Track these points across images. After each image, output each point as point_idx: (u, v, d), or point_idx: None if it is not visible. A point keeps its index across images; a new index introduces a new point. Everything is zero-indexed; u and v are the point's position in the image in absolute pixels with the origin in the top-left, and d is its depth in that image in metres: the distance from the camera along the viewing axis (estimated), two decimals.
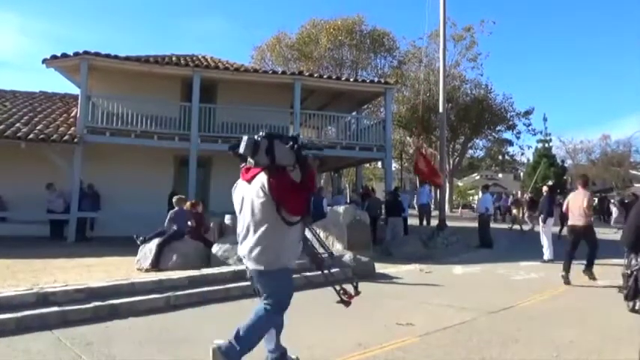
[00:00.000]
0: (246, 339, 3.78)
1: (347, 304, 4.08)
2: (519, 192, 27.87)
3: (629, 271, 3.10)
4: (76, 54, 13.92)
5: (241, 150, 3.55)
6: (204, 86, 15.25)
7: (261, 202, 3.58)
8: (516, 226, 20.51)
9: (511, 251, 13.74)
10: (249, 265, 3.75)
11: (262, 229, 3.60)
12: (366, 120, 20.34)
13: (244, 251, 3.73)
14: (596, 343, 5.04)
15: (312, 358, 4.53)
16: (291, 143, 3.63)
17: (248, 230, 3.69)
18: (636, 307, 3.83)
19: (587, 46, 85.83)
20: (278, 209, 3.53)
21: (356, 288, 4.10)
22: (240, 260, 8.39)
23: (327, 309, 6.75)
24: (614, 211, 22.46)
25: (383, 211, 15.46)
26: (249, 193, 3.69)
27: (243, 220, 3.76)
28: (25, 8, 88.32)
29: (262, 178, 3.58)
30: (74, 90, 16.92)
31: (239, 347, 3.71)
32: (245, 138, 3.56)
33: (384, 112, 18.50)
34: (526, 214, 20.72)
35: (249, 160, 3.63)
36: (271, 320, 3.88)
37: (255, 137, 3.55)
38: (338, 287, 4.17)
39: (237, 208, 3.87)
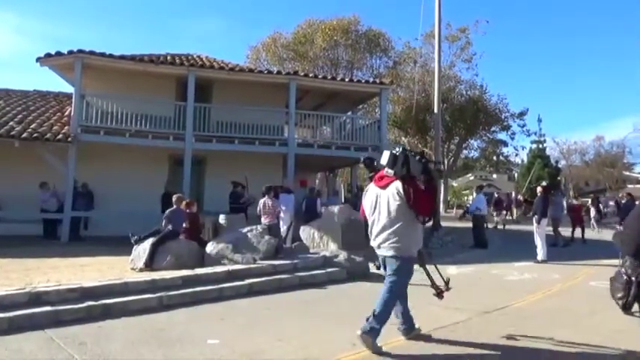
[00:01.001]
0: (382, 314, 4.66)
1: (440, 296, 5.29)
2: (511, 192, 28.85)
3: (627, 277, 3.06)
4: (70, 52, 13.86)
5: (383, 162, 4.69)
6: (199, 86, 15.22)
7: (397, 204, 4.62)
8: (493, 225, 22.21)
9: (505, 252, 13.79)
10: (384, 252, 4.79)
11: (398, 225, 4.64)
12: (362, 120, 20.35)
13: (379, 241, 4.78)
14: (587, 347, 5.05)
15: (307, 357, 4.52)
16: (419, 157, 4.68)
17: (384, 226, 4.71)
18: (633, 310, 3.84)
19: (581, 48, 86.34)
20: (411, 210, 4.57)
21: (447, 284, 5.29)
22: (232, 260, 8.41)
23: (322, 310, 6.77)
24: (592, 211, 23.51)
25: None
26: (384, 197, 4.74)
27: (378, 218, 4.79)
28: (23, 8, 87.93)
29: (397, 185, 4.63)
30: (68, 89, 16.87)
31: (378, 323, 4.59)
32: (386, 152, 4.69)
33: (379, 112, 18.50)
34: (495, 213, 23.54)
35: (388, 170, 4.68)
36: (396, 296, 4.82)
37: (394, 152, 4.63)
38: (433, 283, 5.30)
39: (368, 208, 4.93)
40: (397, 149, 4.68)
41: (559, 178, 41.29)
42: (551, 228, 14.76)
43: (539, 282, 8.91)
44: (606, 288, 7.07)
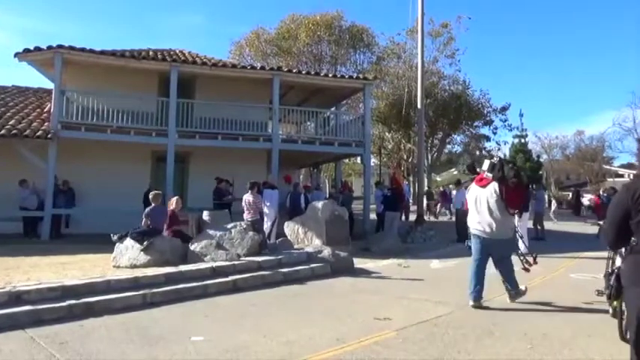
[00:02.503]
0: (511, 280, 6.54)
1: (527, 270, 6.80)
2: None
3: (609, 270, 3.10)
4: (50, 48, 13.61)
5: (483, 168, 6.43)
6: (181, 81, 15.07)
7: (494, 200, 6.23)
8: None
9: None
10: (493, 236, 6.34)
11: (498, 216, 6.24)
12: (345, 115, 20.32)
13: (486, 228, 6.32)
14: (569, 335, 5.14)
15: (292, 353, 4.53)
16: (511, 165, 6.36)
17: (486, 216, 6.30)
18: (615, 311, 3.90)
19: (562, 44, 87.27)
20: (505, 205, 6.19)
21: (535, 258, 6.83)
22: (216, 257, 8.39)
23: (306, 305, 6.78)
24: (553, 203, 26.52)
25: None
26: (484, 194, 6.34)
27: (480, 210, 6.38)
28: (1, 2, 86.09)
29: (494, 186, 6.25)
30: (48, 84, 16.58)
31: (513, 289, 6.55)
32: (487, 161, 6.46)
33: (363, 107, 18.53)
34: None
35: (487, 174, 6.32)
36: (510, 265, 6.60)
37: (492, 161, 6.42)
38: (522, 257, 6.90)
39: (472, 202, 6.52)
40: (495, 159, 6.54)
41: (541, 172, 41.79)
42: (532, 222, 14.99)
43: (520, 275, 8.99)
44: (586, 280, 7.22)
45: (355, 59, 34.50)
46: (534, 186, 18.11)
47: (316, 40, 32.18)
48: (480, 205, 6.35)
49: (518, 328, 5.42)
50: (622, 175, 47.37)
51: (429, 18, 27.91)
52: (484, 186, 6.35)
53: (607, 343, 4.75)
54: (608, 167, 52.54)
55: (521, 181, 6.27)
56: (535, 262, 6.79)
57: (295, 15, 33.48)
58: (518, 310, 6.31)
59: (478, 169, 6.74)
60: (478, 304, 6.36)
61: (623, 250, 2.99)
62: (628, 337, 3.05)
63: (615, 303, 3.23)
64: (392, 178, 18.46)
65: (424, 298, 7.02)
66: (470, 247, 6.71)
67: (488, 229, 6.31)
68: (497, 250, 6.44)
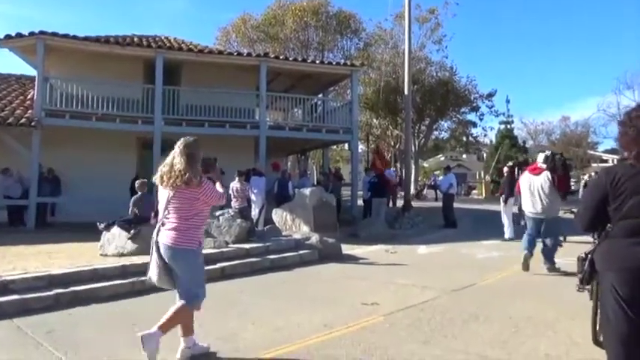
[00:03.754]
0: (550, 255, 7.84)
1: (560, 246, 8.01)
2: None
3: (583, 254, 3.11)
4: (32, 34, 13.36)
5: (539, 160, 7.91)
6: (167, 68, 14.90)
7: (547, 186, 7.58)
8: None
9: (474, 231, 14.09)
10: (543, 215, 7.69)
11: (550, 199, 7.59)
12: (333, 102, 20.32)
13: (538, 209, 7.69)
14: (553, 318, 5.24)
15: (280, 339, 4.57)
16: (559, 157, 7.93)
17: (539, 199, 7.64)
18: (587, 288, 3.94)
19: (547, 30, 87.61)
20: (554, 188, 7.58)
21: (564, 238, 8.36)
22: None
23: (294, 292, 6.83)
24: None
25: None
26: (537, 181, 7.66)
27: (534, 194, 7.69)
28: None
29: (547, 173, 7.62)
30: (31, 71, 16.33)
31: (549, 263, 7.88)
32: (541, 154, 8.00)
33: (351, 94, 18.51)
34: None
35: (541, 164, 7.73)
36: (556, 241, 7.85)
37: (546, 154, 7.91)
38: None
39: (525, 188, 7.86)
40: (547, 152, 8.06)
41: (526, 157, 42.16)
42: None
43: (506, 260, 9.15)
44: (567, 264, 7.34)
45: (342, 45, 34.27)
46: (520, 172, 18.27)
47: (303, 26, 31.89)
48: (534, 189, 7.73)
49: (504, 312, 5.51)
50: (606, 161, 47.93)
51: (415, 3, 27.79)
52: (537, 174, 7.73)
53: (590, 326, 4.84)
54: (592, 152, 53.24)
55: (567, 169, 8.01)
56: (565, 240, 8.46)
57: (282, 1, 33.14)
58: (504, 295, 6.42)
59: (531, 160, 8.34)
60: (529, 255, 7.78)
61: (596, 234, 2.99)
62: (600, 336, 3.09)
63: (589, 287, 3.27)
64: (372, 164, 18.43)
65: (411, 284, 7.10)
66: (525, 224, 8.31)
67: (540, 209, 7.67)
68: (545, 225, 7.76)
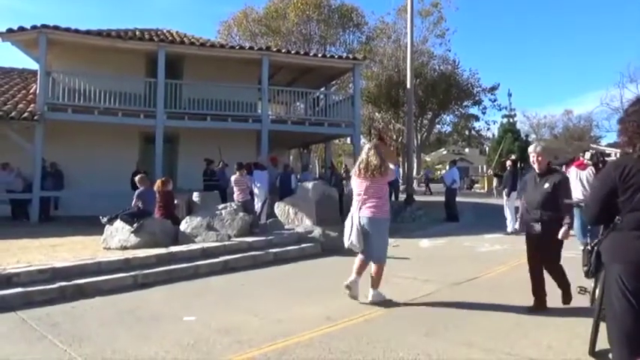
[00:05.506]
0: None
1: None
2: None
3: (589, 247, 3.11)
4: (34, 27, 13.35)
5: (586, 157, 8.79)
6: (169, 62, 14.88)
7: (592, 177, 8.17)
8: None
9: (476, 224, 14.08)
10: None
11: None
12: (335, 96, 20.25)
13: (580, 197, 7.83)
14: (555, 311, 5.24)
15: (283, 332, 4.58)
16: (601, 154, 9.00)
17: (583, 189, 8.31)
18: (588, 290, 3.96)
19: (551, 24, 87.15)
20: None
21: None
22: (206, 238, 8.42)
23: (297, 285, 6.84)
24: (494, 182, 26.06)
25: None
26: (583, 175, 8.56)
27: (583, 185, 8.44)
28: None
29: (591, 168, 8.50)
30: (33, 65, 16.34)
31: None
32: (587, 153, 8.93)
33: (353, 87, 18.45)
34: None
35: (587, 160, 8.69)
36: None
37: (592, 152, 8.92)
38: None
39: (573, 180, 8.18)
40: (593, 151, 9.15)
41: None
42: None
43: (508, 253, 9.15)
44: (570, 257, 7.33)
45: (345, 39, 34.18)
46: (522, 165, 18.25)
47: (305, 20, 31.80)
48: (581, 181, 8.67)
49: (507, 303, 5.52)
50: (609, 154, 47.76)
51: None
52: (583, 169, 8.71)
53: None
54: (595, 146, 52.96)
55: (604, 164, 8.54)
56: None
57: None
58: (506, 288, 6.42)
59: (580, 157, 9.07)
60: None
61: (602, 227, 2.99)
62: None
63: (594, 285, 3.27)
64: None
65: (413, 277, 7.11)
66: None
67: (582, 197, 8.36)
68: None
